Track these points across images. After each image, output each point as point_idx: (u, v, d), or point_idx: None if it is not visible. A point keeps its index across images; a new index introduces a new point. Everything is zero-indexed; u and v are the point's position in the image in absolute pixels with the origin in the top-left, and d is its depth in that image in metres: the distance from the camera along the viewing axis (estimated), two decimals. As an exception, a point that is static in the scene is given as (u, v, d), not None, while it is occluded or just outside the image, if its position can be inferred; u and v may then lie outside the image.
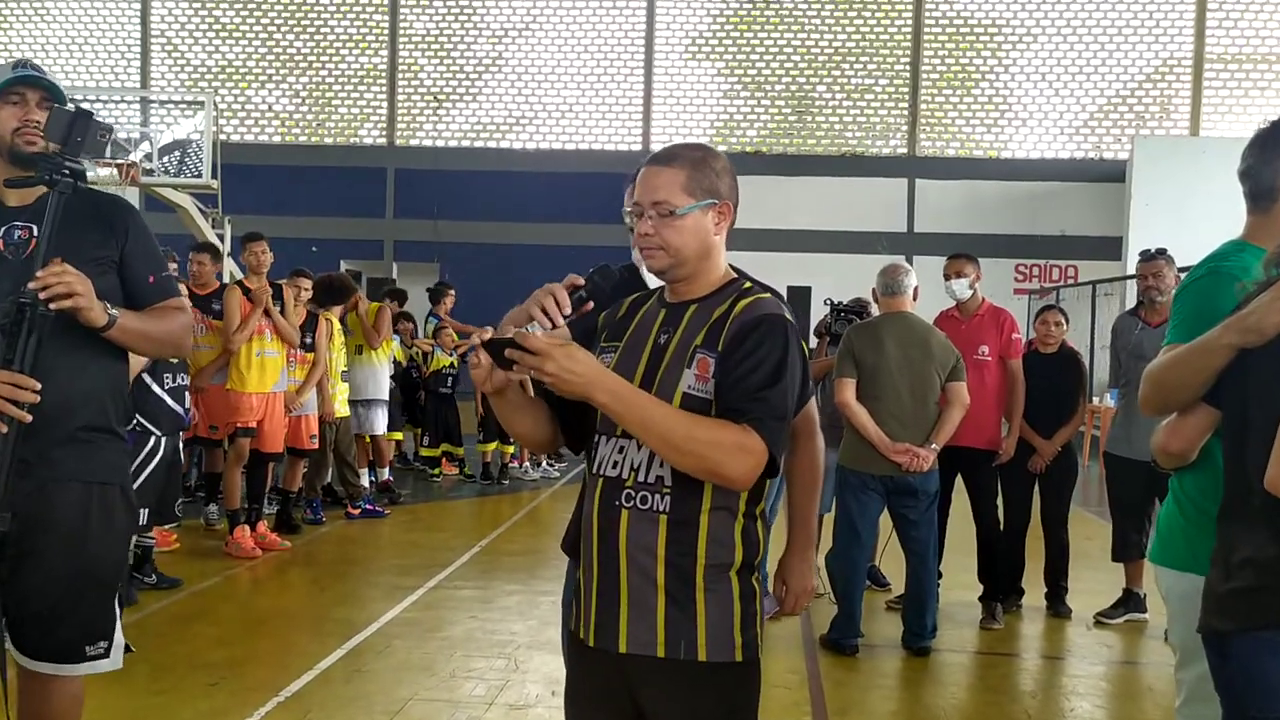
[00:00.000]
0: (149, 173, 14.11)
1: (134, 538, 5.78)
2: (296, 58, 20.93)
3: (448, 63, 20.81)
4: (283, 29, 20.90)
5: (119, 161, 13.75)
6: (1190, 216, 14.68)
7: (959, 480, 5.86)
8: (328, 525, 8.01)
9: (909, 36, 19.95)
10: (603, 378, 1.91)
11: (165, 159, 14.70)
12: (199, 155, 14.49)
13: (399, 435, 10.10)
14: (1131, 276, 14.24)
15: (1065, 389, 6.06)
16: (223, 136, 17.67)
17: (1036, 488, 6.08)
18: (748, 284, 2.15)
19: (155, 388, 5.80)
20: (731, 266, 2.19)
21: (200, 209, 14.22)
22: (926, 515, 5.23)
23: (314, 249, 17.41)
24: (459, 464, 10.67)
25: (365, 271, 19.17)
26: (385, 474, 9.18)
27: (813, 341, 6.73)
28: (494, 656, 4.99)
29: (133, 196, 15.44)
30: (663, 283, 2.18)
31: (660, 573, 2.00)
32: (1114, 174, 18.28)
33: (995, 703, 4.71)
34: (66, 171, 2.48)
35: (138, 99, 19.19)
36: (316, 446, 7.65)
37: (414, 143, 20.83)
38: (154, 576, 5.98)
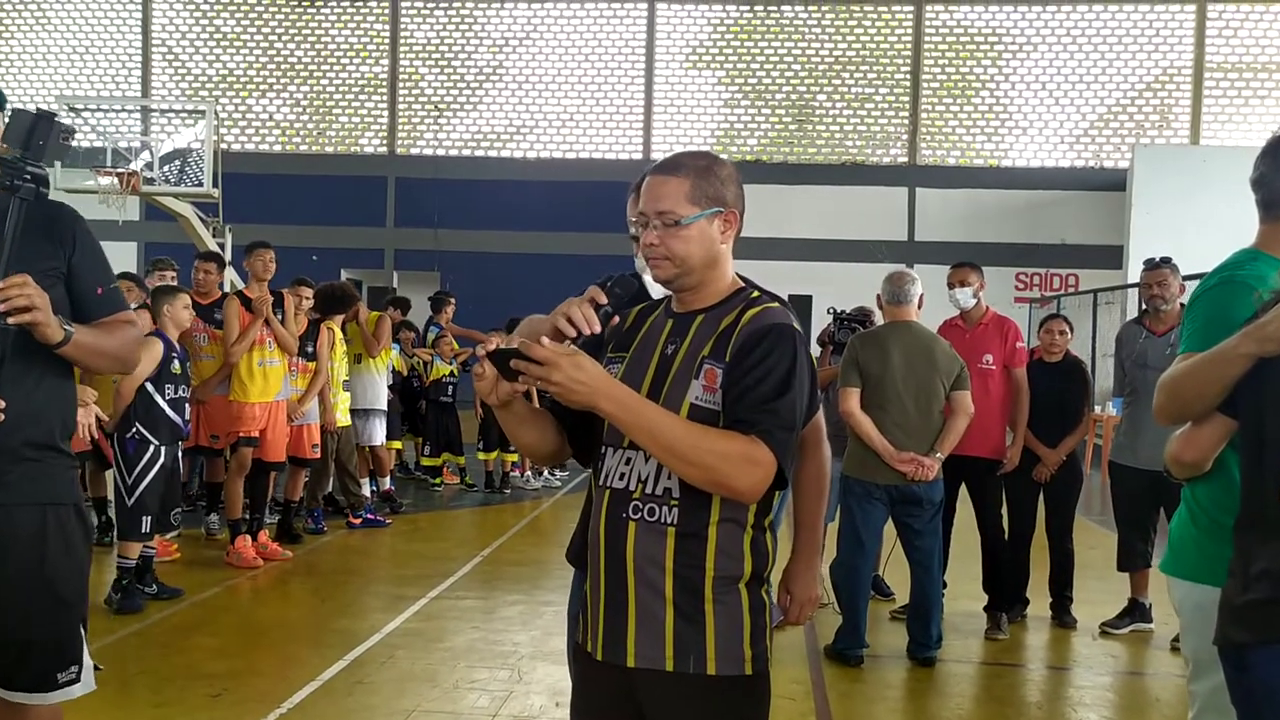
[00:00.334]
0: (150, 181, 14.12)
1: (139, 547, 5.77)
2: (297, 67, 20.95)
3: (448, 72, 20.84)
4: (284, 38, 20.93)
5: (120, 170, 13.76)
6: (1191, 225, 14.69)
7: (963, 489, 5.85)
8: (329, 535, 7.98)
9: (909, 46, 19.98)
10: (609, 387, 1.88)
11: (166, 168, 14.71)
12: (200, 164, 14.50)
13: (398, 444, 10.07)
14: (1132, 285, 14.31)
15: (1070, 398, 6.04)
16: (224, 145, 17.69)
17: (1041, 497, 6.06)
18: (755, 293, 2.12)
19: (158, 398, 5.81)
20: (739, 275, 2.17)
21: (201, 218, 14.22)
22: (931, 525, 5.20)
23: (314, 258, 17.40)
24: (460, 473, 10.65)
25: (366, 280, 19.17)
26: (387, 483, 9.15)
27: (815, 350, 6.72)
28: (497, 667, 4.96)
29: (134, 205, 15.47)
30: (668, 291, 2.16)
31: (668, 586, 1.98)
32: (1114, 183, 18.29)
33: (1001, 714, 4.68)
34: (29, 177, 2.38)
35: (139, 108, 19.25)
36: (318, 456, 7.63)
37: (415, 152, 20.84)
38: (155, 586, 5.95)
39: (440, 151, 20.80)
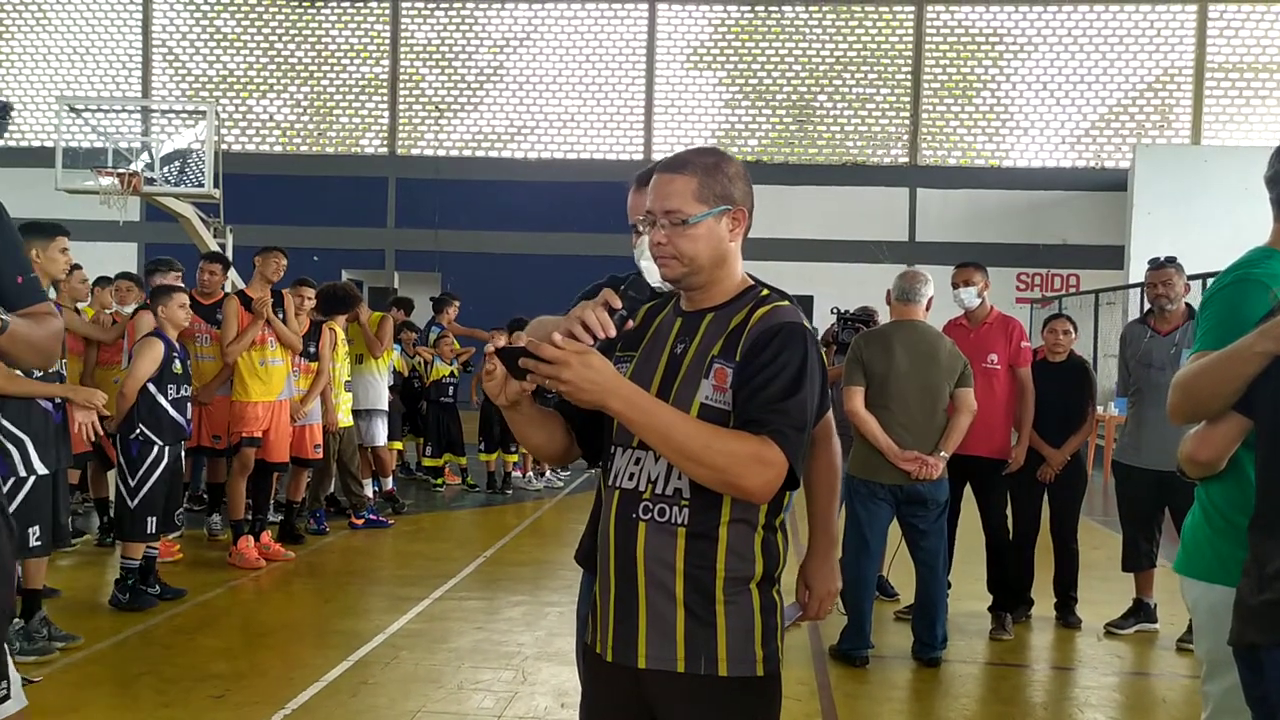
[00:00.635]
0: (151, 182, 14.10)
1: (142, 547, 5.76)
2: (298, 67, 20.93)
3: (449, 72, 20.81)
4: (284, 39, 20.90)
5: (121, 171, 13.75)
6: (1192, 225, 14.70)
7: (968, 490, 5.83)
8: (331, 535, 7.97)
9: (910, 46, 19.96)
10: (620, 386, 1.87)
11: (166, 169, 14.69)
12: (200, 165, 14.48)
13: (399, 445, 10.06)
14: (1134, 285, 14.31)
15: (1074, 398, 6.03)
16: (224, 146, 17.68)
17: (1045, 497, 6.05)
18: (765, 291, 2.11)
19: (160, 398, 5.79)
20: (747, 274, 2.16)
21: (202, 218, 14.20)
22: (936, 525, 5.19)
23: (315, 258, 17.38)
24: (462, 474, 10.64)
25: (366, 281, 19.14)
26: (389, 483, 9.14)
27: (819, 350, 6.68)
28: (501, 668, 4.94)
29: (134, 205, 15.45)
30: (668, 283, 2.14)
31: (679, 586, 1.97)
32: (1115, 183, 18.28)
33: (1007, 714, 4.67)
34: None
35: (139, 108, 19.24)
36: (321, 456, 7.62)
37: (415, 152, 20.82)
38: (158, 587, 5.94)
39: (441, 152, 20.78)
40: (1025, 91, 19.86)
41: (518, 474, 10.66)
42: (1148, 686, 5.25)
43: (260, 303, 6.93)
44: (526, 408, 2.05)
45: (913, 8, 19.81)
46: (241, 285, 10.13)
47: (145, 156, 14.75)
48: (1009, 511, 5.95)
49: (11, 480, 4.74)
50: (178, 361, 5.94)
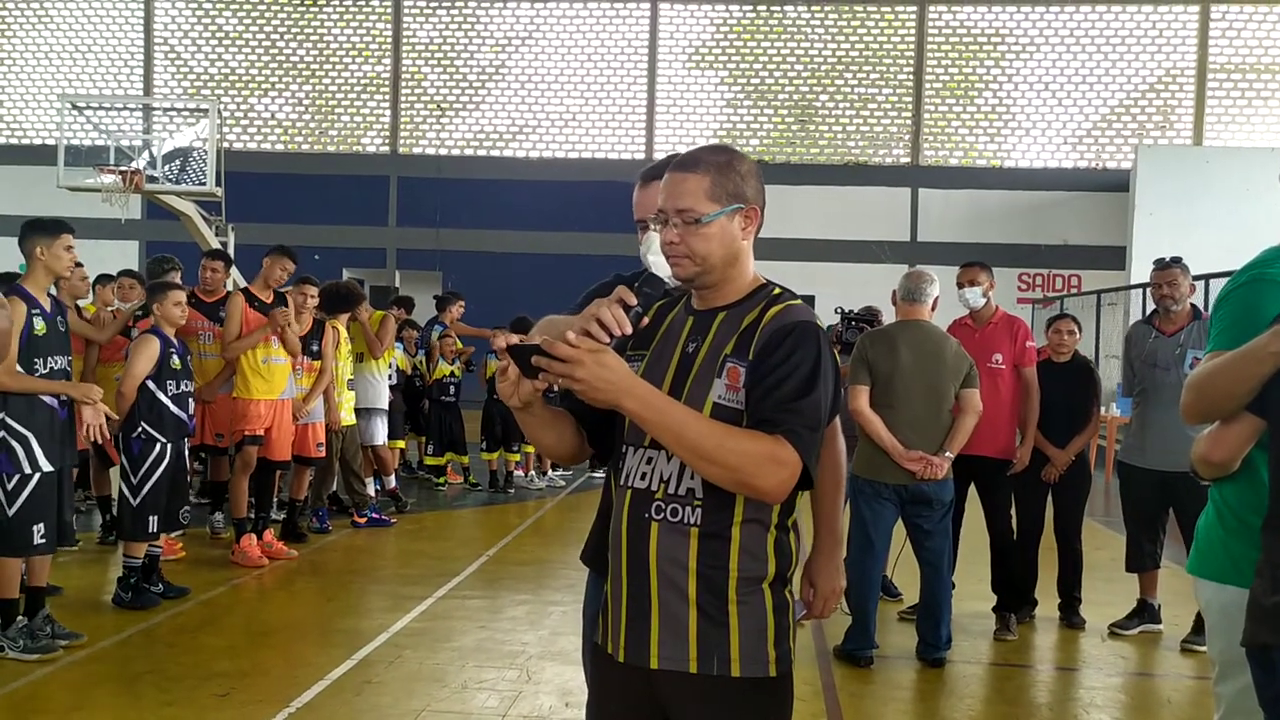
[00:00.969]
0: (152, 180, 14.08)
1: (145, 546, 5.75)
2: (300, 66, 20.93)
3: (451, 71, 20.82)
4: (286, 37, 20.90)
5: (123, 169, 13.74)
6: (1193, 226, 14.70)
7: (972, 490, 5.82)
8: (334, 534, 7.96)
9: (912, 46, 19.96)
10: (634, 385, 1.85)
11: (168, 166, 14.68)
12: (202, 162, 14.47)
13: (401, 444, 10.05)
14: (1135, 286, 14.30)
15: (1079, 398, 6.02)
16: (226, 144, 17.66)
17: (1050, 497, 6.04)
18: (777, 290, 2.09)
19: (160, 395, 5.77)
20: (758, 273, 2.15)
21: (204, 216, 14.19)
22: (941, 525, 5.18)
23: (316, 257, 17.37)
24: (464, 473, 10.63)
25: (368, 280, 19.12)
26: (391, 482, 9.13)
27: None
28: (505, 667, 4.94)
29: (136, 203, 15.44)
30: (676, 278, 2.12)
31: (692, 587, 1.96)
32: (1117, 183, 18.28)
33: (1012, 715, 4.66)
34: None
35: (141, 106, 19.22)
36: (323, 455, 7.61)
37: (417, 151, 20.82)
38: (161, 585, 5.93)
39: (443, 151, 20.78)
40: (1027, 92, 19.86)
41: (520, 473, 10.65)
42: (1152, 687, 5.24)
43: (281, 316, 6.86)
44: (538, 409, 2.04)
45: (915, 8, 19.81)
46: (243, 283, 10.13)
47: (147, 154, 14.73)
48: (1013, 512, 5.94)
49: (16, 477, 4.74)
50: (175, 357, 5.89)
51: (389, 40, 20.77)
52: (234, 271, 11.90)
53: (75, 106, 15.79)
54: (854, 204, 19.39)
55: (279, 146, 20.91)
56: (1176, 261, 5.67)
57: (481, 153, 20.79)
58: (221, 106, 18.96)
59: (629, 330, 1.97)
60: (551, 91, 20.62)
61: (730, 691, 1.96)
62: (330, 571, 6.94)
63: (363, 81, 20.91)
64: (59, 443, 4.90)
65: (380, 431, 8.74)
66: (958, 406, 5.14)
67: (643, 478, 2.01)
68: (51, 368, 4.94)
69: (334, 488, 8.44)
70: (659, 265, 2.27)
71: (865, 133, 20.11)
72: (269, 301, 7.06)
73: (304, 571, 6.85)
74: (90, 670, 4.76)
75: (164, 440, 5.76)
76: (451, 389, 10.33)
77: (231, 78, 21.02)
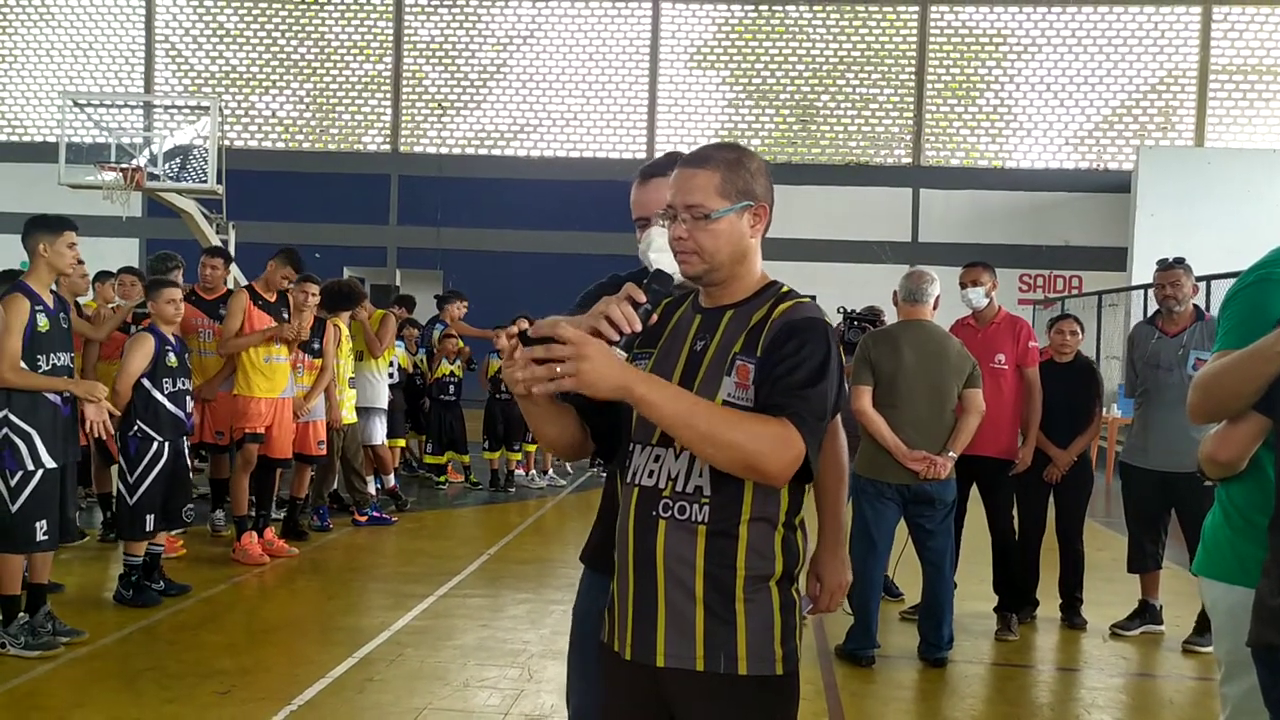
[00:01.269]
0: (153, 177, 14.08)
1: (144, 544, 5.75)
2: (301, 64, 20.92)
3: (452, 70, 20.80)
4: (287, 35, 20.89)
5: (124, 166, 13.73)
6: (1194, 227, 14.69)
7: (974, 490, 5.82)
8: (335, 532, 7.96)
9: (914, 46, 19.95)
10: (639, 372, 1.85)
11: (168, 164, 14.67)
12: (203, 160, 14.47)
13: (402, 442, 10.05)
14: (1136, 287, 14.30)
15: (1081, 398, 6.01)
16: (226, 142, 17.65)
17: (1051, 498, 6.04)
18: (785, 288, 2.10)
19: (156, 393, 5.73)
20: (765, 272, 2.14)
21: (205, 214, 14.19)
22: (943, 525, 5.18)
23: (317, 255, 17.35)
24: (465, 471, 10.63)
25: (369, 278, 19.10)
26: (391, 480, 9.12)
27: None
28: (507, 665, 4.93)
29: (137, 200, 15.44)
30: (679, 272, 2.11)
31: (699, 585, 1.96)
32: (1118, 184, 18.27)
33: (1013, 715, 4.66)
34: None
35: (141, 104, 19.20)
36: (324, 453, 7.60)
37: (418, 150, 20.81)
38: (162, 583, 5.93)
39: (444, 150, 20.77)
40: (1029, 93, 19.85)
41: (520, 472, 10.65)
42: (1154, 688, 5.24)
43: (290, 331, 6.87)
44: (544, 399, 2.04)
45: (916, 8, 19.80)
46: (244, 280, 10.12)
47: (148, 152, 14.72)
48: (1015, 512, 5.94)
49: (19, 474, 4.74)
50: (171, 354, 5.82)
51: (390, 39, 20.76)
52: (235, 269, 11.91)
53: (76, 104, 15.79)
54: (855, 204, 19.38)
55: (280, 144, 20.90)
56: (1180, 262, 5.66)
57: (483, 152, 20.78)
58: (222, 104, 18.95)
59: (638, 327, 1.96)
60: (553, 91, 20.61)
61: (737, 689, 1.96)
62: (331, 569, 6.94)
63: (364, 80, 20.89)
64: (62, 439, 4.90)
65: (379, 431, 8.73)
66: (960, 406, 5.13)
67: (650, 475, 2.01)
68: (54, 364, 4.93)
69: (335, 486, 8.43)
70: (661, 261, 2.27)
71: (867, 133, 20.10)
72: (273, 301, 7.06)
73: (305, 569, 6.85)
74: (91, 667, 4.75)
75: (160, 439, 5.73)
76: (452, 388, 10.32)
77: (233, 75, 21.01)
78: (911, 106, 19.96)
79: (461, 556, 7.28)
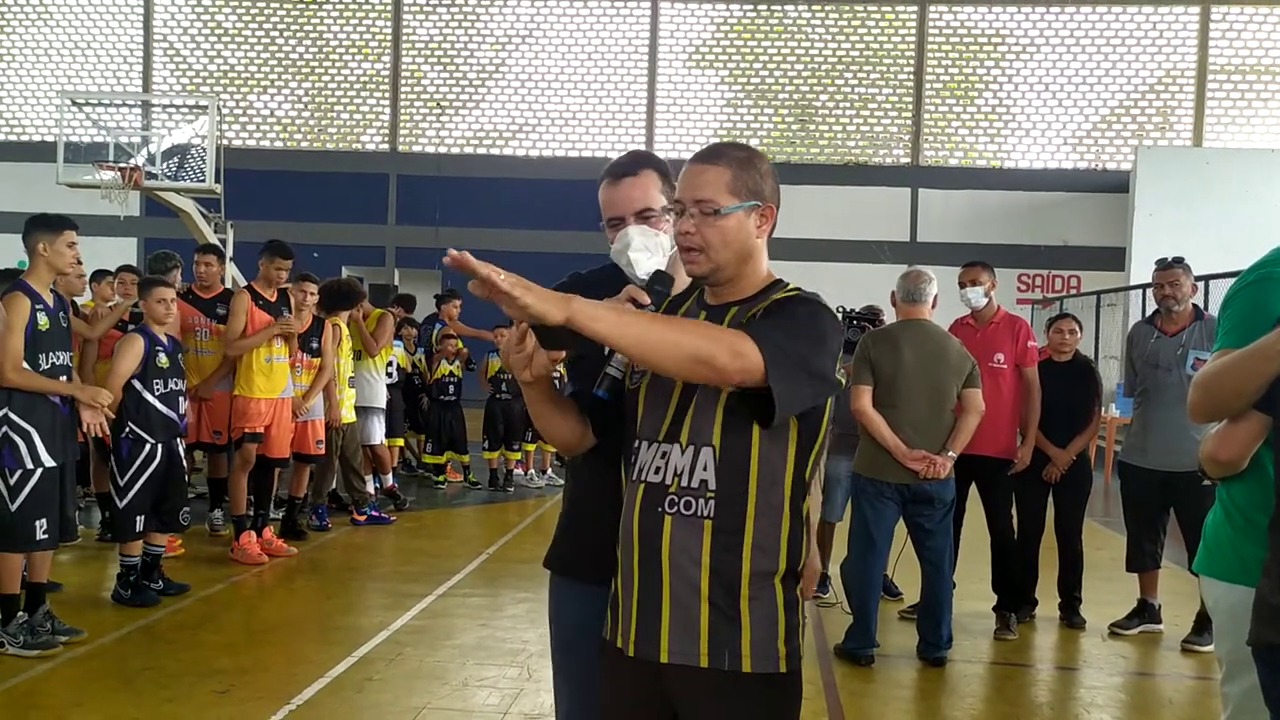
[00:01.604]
0: (152, 176, 14.06)
1: (139, 545, 5.74)
2: (299, 63, 20.89)
3: (451, 69, 20.78)
4: (285, 34, 20.86)
5: (122, 165, 13.72)
6: (1193, 227, 14.69)
7: (973, 489, 5.82)
8: (333, 532, 7.96)
9: (912, 46, 19.94)
10: (579, 300, 1.78)
11: (167, 163, 14.65)
12: (201, 159, 14.44)
13: (400, 442, 10.04)
14: (1135, 287, 14.30)
15: (1080, 398, 6.02)
16: (225, 141, 17.63)
17: (1050, 497, 6.04)
18: (791, 285, 2.11)
19: (147, 394, 5.70)
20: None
21: (203, 213, 14.17)
22: (942, 524, 5.18)
23: (315, 254, 17.34)
24: (464, 471, 10.62)
25: (367, 278, 19.08)
26: (389, 479, 9.12)
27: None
28: (506, 665, 4.93)
29: (135, 200, 15.41)
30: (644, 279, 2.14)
31: (704, 581, 1.96)
32: (1117, 184, 18.27)
33: (1012, 714, 4.66)
34: None
35: (140, 103, 19.18)
36: (323, 452, 7.60)
37: (417, 149, 20.79)
38: (161, 583, 5.92)
39: (442, 149, 20.75)
40: (1027, 92, 19.84)
41: (519, 471, 10.65)
42: (1153, 687, 5.24)
43: (284, 325, 6.87)
44: (546, 386, 2.06)
45: (915, 8, 19.79)
46: (241, 279, 10.11)
47: (146, 151, 14.69)
48: (1014, 511, 5.94)
49: (19, 472, 4.73)
50: (163, 355, 5.78)
51: (389, 38, 20.74)
52: (234, 269, 11.91)
53: (74, 103, 15.75)
54: (854, 204, 19.36)
55: (278, 144, 20.87)
56: (1179, 261, 5.67)
57: (481, 151, 20.75)
58: (221, 103, 18.92)
59: None
60: (551, 90, 20.59)
61: (741, 687, 1.96)
62: (330, 569, 6.93)
63: (362, 79, 20.87)
64: (61, 438, 4.90)
65: (377, 430, 8.73)
66: (960, 406, 5.14)
67: (656, 472, 2.01)
68: (54, 363, 4.93)
69: (333, 485, 8.43)
70: (640, 262, 2.26)
71: (865, 133, 20.10)
72: (274, 300, 7.05)
73: (303, 569, 6.84)
74: (90, 666, 4.75)
75: (152, 440, 5.69)
76: (451, 388, 10.33)
77: (231, 74, 20.98)
78: (910, 106, 19.95)
79: (460, 556, 7.27)
